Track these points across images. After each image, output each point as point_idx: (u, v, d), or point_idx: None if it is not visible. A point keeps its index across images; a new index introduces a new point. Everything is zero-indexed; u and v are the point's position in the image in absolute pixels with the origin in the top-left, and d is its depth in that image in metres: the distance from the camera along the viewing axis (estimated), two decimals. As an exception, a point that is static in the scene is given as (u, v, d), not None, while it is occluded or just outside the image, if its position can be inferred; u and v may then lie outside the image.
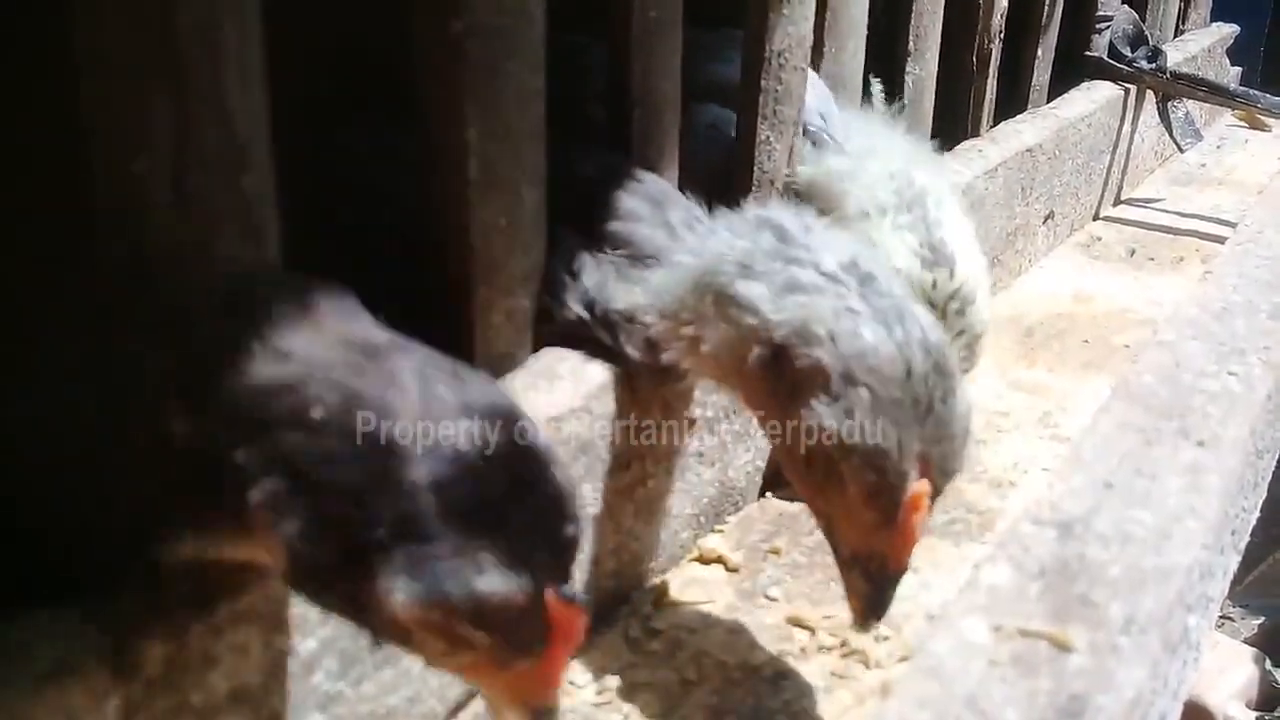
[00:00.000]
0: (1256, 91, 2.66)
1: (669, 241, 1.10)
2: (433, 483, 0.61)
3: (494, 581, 0.62)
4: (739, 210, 1.09)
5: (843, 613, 1.20)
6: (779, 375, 0.93)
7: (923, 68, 1.89)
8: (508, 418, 0.67)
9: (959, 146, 2.03)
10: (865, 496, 0.90)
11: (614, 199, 1.16)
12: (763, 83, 1.43)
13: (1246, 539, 1.26)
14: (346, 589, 0.63)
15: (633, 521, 1.20)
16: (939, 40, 1.92)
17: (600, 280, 1.11)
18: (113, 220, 0.82)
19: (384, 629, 0.64)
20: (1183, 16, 3.24)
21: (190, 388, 0.65)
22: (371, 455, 0.61)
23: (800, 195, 1.41)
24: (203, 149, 0.82)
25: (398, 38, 1.04)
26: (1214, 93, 2.58)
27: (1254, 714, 3.65)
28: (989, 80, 2.10)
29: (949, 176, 1.60)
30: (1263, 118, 3.19)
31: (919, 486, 0.90)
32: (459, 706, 1.01)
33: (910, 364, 0.90)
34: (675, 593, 1.23)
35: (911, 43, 1.86)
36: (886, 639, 1.17)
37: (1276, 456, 1.34)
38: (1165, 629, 0.84)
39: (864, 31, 1.69)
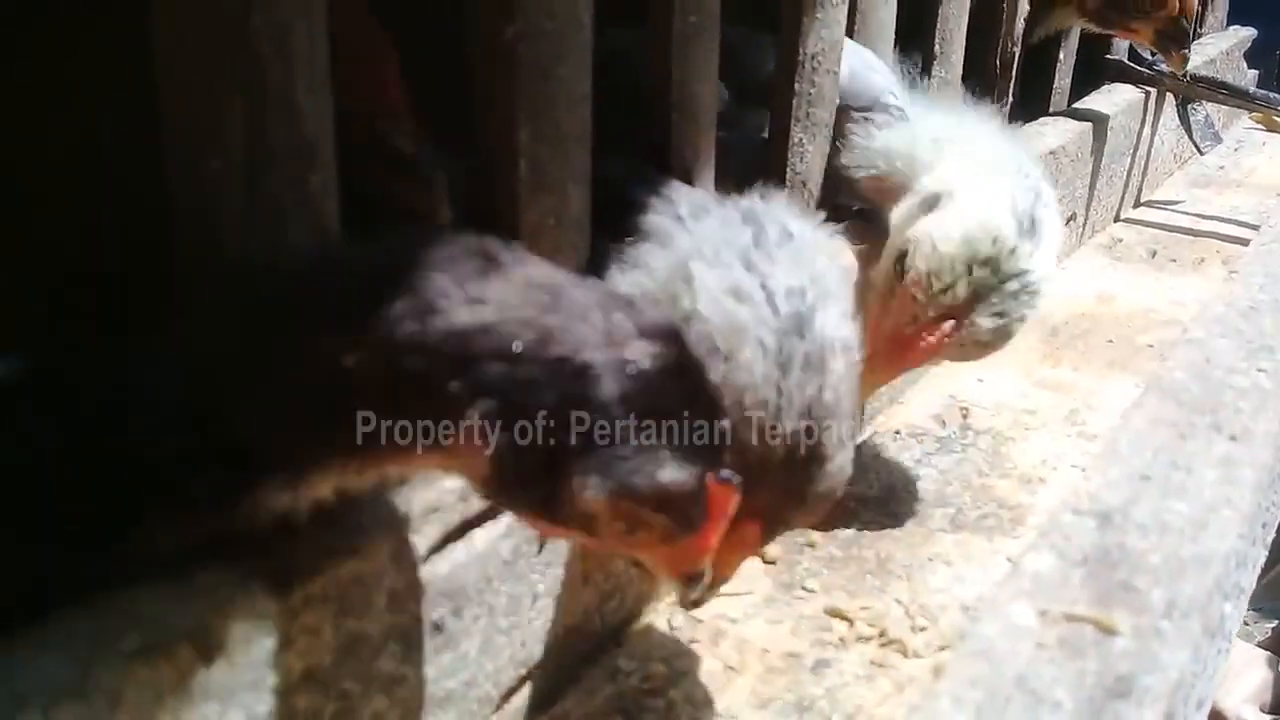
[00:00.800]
0: (1276, 95, 2.68)
1: (675, 229, 1.11)
2: (618, 397, 0.71)
3: (672, 473, 0.73)
4: (740, 200, 1.11)
5: (879, 604, 1.24)
6: None
7: (948, 70, 1.92)
8: (674, 337, 0.77)
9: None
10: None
11: (637, 197, 1.18)
12: (796, 85, 1.47)
13: (1273, 534, 1.29)
14: (543, 491, 0.73)
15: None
16: (964, 43, 1.95)
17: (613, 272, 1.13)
18: (189, 218, 0.85)
19: (574, 520, 0.74)
20: (1200, 20, 3.26)
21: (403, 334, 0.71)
22: (565, 378, 0.71)
23: (875, 162, 1.43)
24: (273, 148, 0.86)
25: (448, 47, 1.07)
26: (1233, 95, 2.60)
27: (1268, 717, 3.67)
28: (1010, 83, 2.13)
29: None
30: (1278, 120, 3.21)
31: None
32: (511, 691, 1.04)
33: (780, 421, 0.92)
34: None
35: (937, 45, 1.89)
36: (924, 629, 1.20)
37: None
38: (1205, 614, 0.86)
39: (892, 35, 1.72)
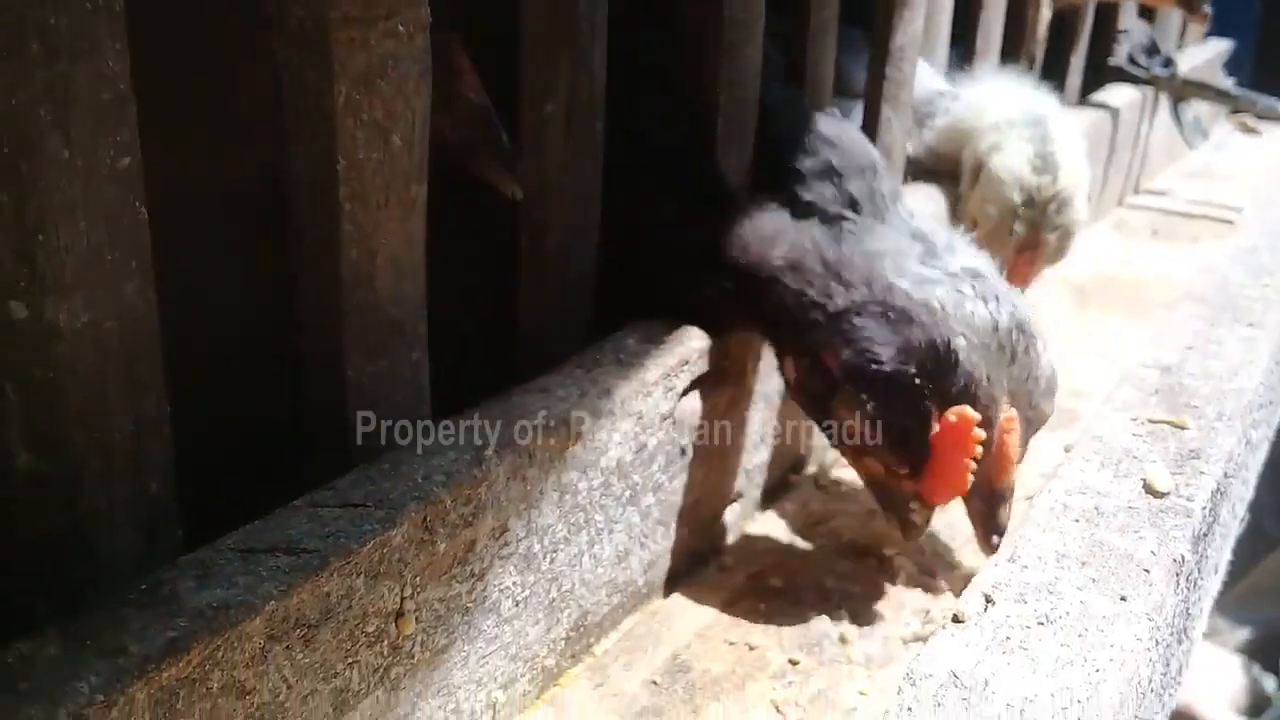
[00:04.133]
0: (1256, 94, 3.06)
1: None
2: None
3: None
4: (902, 214, 1.47)
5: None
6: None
7: (988, 57, 2.28)
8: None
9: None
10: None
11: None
12: (887, 71, 1.82)
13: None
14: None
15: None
16: (1000, 42, 2.31)
17: None
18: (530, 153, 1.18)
19: None
20: (1182, 33, 3.65)
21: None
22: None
23: (941, 133, 1.81)
24: (581, 97, 1.20)
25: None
26: (1220, 96, 2.98)
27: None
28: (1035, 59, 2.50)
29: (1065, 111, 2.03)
30: (1252, 124, 3.60)
31: (1009, 413, 1.24)
32: (719, 512, 1.37)
33: (997, 322, 1.27)
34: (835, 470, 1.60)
35: (980, 42, 2.25)
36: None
37: None
38: (1243, 421, 1.21)
39: (949, 33, 2.09)
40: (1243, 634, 4.85)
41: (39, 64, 0.73)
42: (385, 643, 0.92)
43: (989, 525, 1.27)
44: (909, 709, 0.77)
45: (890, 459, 1.14)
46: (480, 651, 1.04)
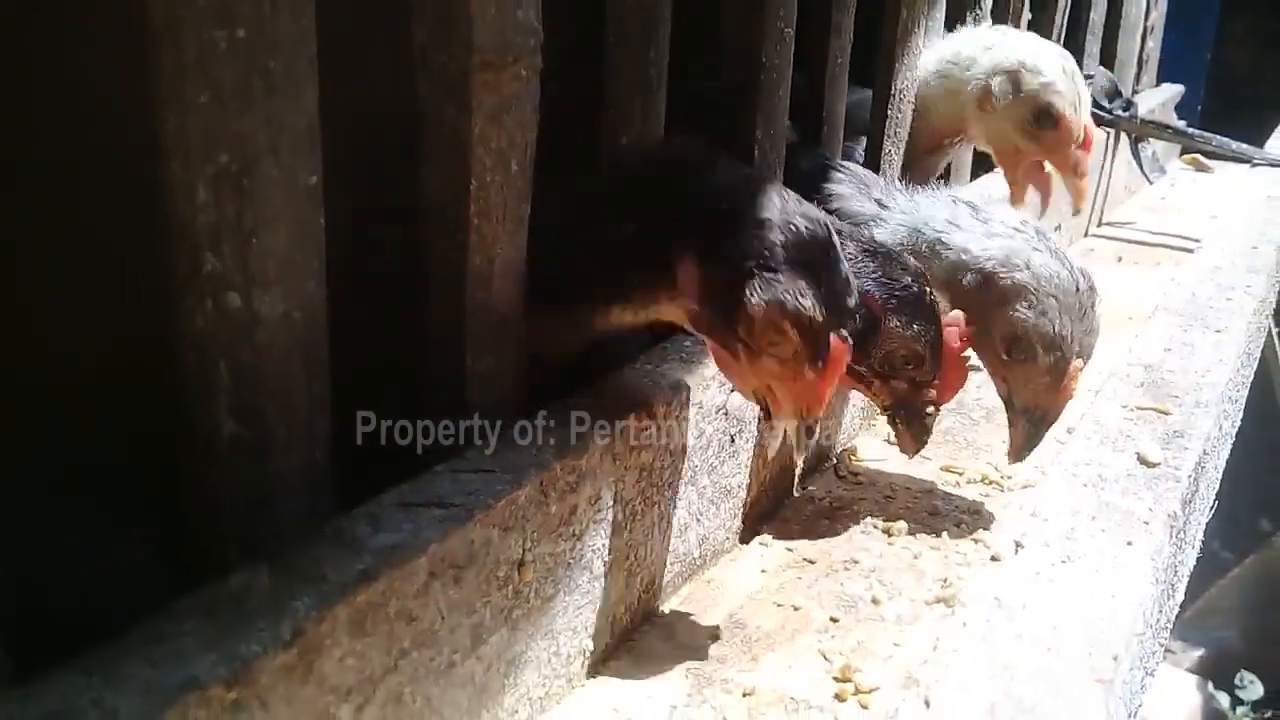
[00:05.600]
0: (1210, 134, 3.32)
1: (879, 211, 1.66)
2: (780, 243, 1.12)
3: (810, 303, 1.10)
4: (929, 189, 1.66)
5: (974, 463, 1.76)
6: (986, 292, 1.49)
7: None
8: (823, 223, 1.18)
9: (989, 175, 2.63)
10: (1047, 369, 1.45)
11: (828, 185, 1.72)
12: (888, 112, 2.03)
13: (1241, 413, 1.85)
14: (727, 306, 1.13)
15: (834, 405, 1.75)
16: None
17: None
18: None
19: (742, 327, 1.12)
20: (1137, 78, 3.92)
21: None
22: (750, 226, 1.14)
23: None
24: (649, 130, 1.39)
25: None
26: (1178, 134, 3.23)
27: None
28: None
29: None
30: (1205, 163, 3.87)
31: (1078, 364, 1.45)
32: (754, 503, 1.55)
33: (1078, 283, 1.47)
34: (861, 453, 1.78)
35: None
36: (1010, 477, 1.73)
37: (1261, 342, 1.93)
38: (1218, 409, 1.41)
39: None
40: (1196, 654, 5.06)
41: (260, 99, 0.90)
42: (510, 587, 1.09)
43: (1027, 442, 1.51)
44: (964, 624, 0.94)
45: (924, 372, 1.33)
46: (576, 603, 1.20)
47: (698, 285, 1.15)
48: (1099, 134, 1.84)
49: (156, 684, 0.77)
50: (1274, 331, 4.48)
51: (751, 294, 1.10)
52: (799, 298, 1.10)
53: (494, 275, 1.16)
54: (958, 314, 1.43)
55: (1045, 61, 1.91)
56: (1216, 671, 4.87)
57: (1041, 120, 1.91)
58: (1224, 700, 4.70)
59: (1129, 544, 1.07)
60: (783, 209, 1.16)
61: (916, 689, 0.93)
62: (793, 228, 1.14)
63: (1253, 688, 4.82)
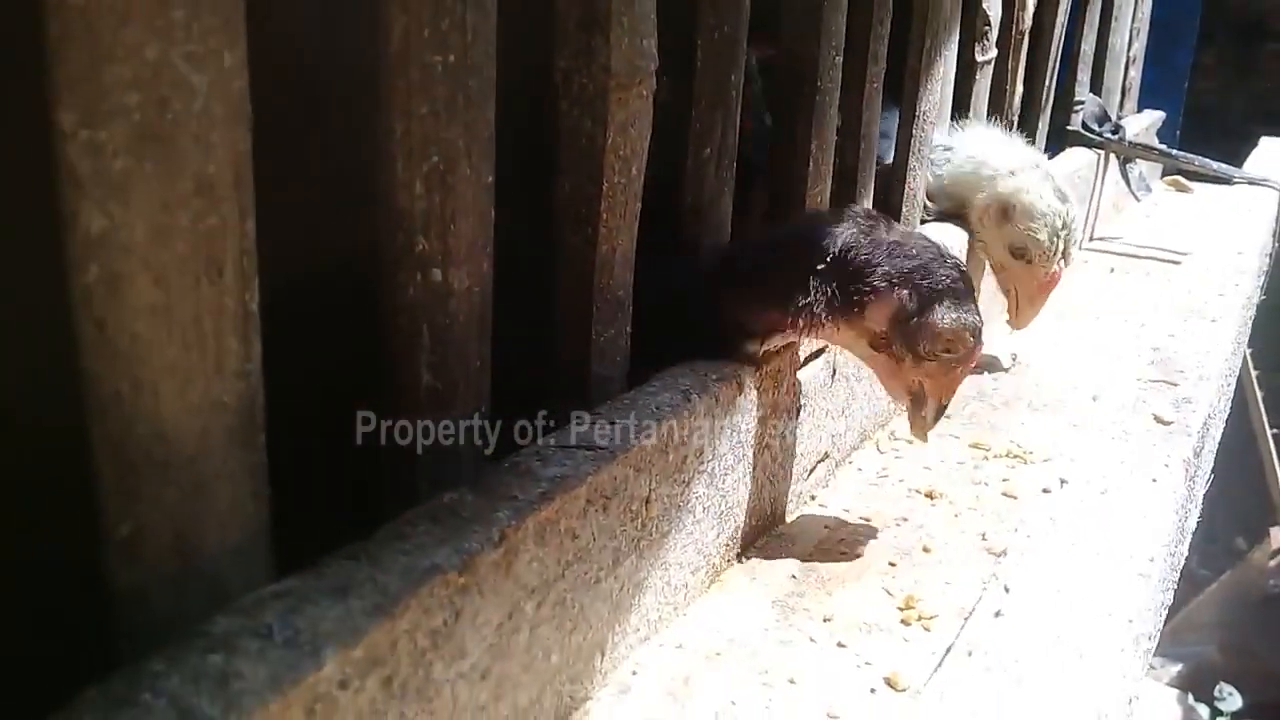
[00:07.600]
0: (1193, 155, 3.58)
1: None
2: (949, 278, 1.45)
3: (978, 319, 1.45)
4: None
5: (998, 442, 1.99)
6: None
7: (979, 119, 2.75)
8: (961, 267, 1.50)
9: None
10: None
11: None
12: (913, 131, 2.27)
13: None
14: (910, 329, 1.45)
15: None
16: (986, 110, 2.78)
17: None
18: (690, 183, 1.59)
19: (929, 341, 1.45)
20: (1121, 105, 4.19)
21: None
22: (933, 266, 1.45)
23: (951, 178, 2.28)
24: (728, 144, 1.61)
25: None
26: (1162, 156, 3.49)
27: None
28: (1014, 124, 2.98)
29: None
30: (1185, 184, 4.15)
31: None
32: (817, 464, 1.77)
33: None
34: (898, 433, 2.01)
35: (972, 112, 2.72)
36: (1032, 451, 1.95)
37: (1248, 331, 2.18)
38: (1218, 382, 1.64)
39: (950, 102, 2.55)
40: (1176, 670, 5.28)
41: (461, 110, 1.12)
42: (639, 520, 1.30)
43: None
44: (1028, 535, 1.16)
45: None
46: (683, 542, 1.42)
47: (892, 312, 1.46)
48: (1064, 275, 2.11)
49: (411, 567, 0.98)
50: (1249, 354, 4.75)
51: (944, 315, 1.45)
52: (975, 315, 1.47)
53: (615, 263, 1.38)
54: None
55: (1037, 205, 2.14)
56: (1196, 685, 5.08)
57: (1016, 255, 2.14)
58: (1204, 713, 4.92)
59: (1154, 480, 1.30)
60: (941, 250, 1.50)
61: (995, 582, 1.14)
62: (950, 262, 1.48)
63: (1231, 699, 5.04)
